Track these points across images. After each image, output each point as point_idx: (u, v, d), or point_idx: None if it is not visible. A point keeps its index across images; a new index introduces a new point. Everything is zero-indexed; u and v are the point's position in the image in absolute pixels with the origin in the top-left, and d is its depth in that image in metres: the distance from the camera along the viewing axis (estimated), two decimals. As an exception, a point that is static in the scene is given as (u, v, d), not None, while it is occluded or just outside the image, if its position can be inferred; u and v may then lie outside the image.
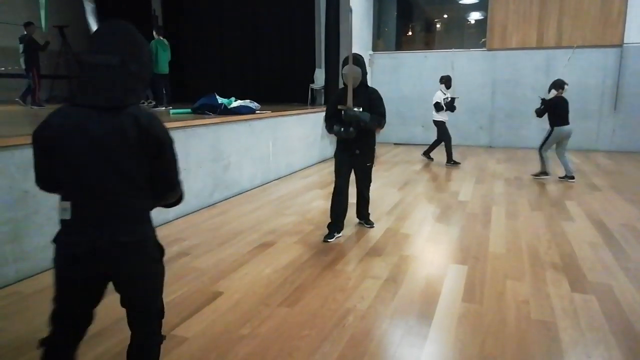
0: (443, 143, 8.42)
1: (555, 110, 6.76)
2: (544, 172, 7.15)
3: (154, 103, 9.00)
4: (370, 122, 4.04)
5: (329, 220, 4.33)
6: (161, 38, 8.64)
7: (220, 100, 6.71)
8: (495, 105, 10.74)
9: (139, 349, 1.81)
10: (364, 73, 4.08)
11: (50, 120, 1.59)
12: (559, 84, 6.81)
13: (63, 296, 1.68)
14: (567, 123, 6.76)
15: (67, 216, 1.59)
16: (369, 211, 4.70)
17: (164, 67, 8.62)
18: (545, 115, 6.91)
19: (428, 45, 12.47)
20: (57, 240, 1.64)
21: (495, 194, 6.13)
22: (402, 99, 11.44)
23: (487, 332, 2.66)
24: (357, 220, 4.75)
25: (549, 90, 6.95)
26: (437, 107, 8.13)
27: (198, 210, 5.28)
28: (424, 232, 4.54)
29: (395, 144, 11.42)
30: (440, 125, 8.32)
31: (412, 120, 11.40)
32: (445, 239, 4.35)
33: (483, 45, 11.01)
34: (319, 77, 9.92)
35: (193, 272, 3.52)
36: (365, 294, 3.15)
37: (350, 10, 4.87)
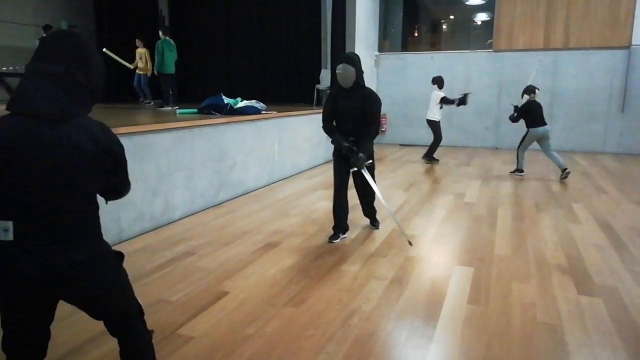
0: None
1: (528, 113, 7.16)
2: (519, 170, 7.56)
3: (152, 102, 9.00)
4: (370, 142, 4.04)
5: (333, 222, 4.32)
6: (167, 38, 8.66)
7: (226, 100, 6.73)
8: (502, 106, 10.69)
9: (132, 353, 1.78)
10: (359, 73, 3.95)
11: None
12: (530, 89, 7.27)
13: (15, 322, 1.58)
14: (542, 124, 7.09)
15: (10, 237, 1.45)
16: (376, 208, 4.60)
17: (170, 67, 8.65)
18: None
19: (434, 46, 12.44)
20: None
21: (501, 196, 6.11)
22: (408, 100, 11.42)
23: (492, 334, 2.65)
24: (362, 221, 4.74)
25: (522, 96, 7.33)
26: (447, 101, 8.35)
27: (204, 210, 5.30)
28: (430, 233, 4.53)
29: (400, 145, 11.41)
30: (433, 124, 8.61)
31: (418, 122, 11.31)
32: (451, 241, 4.34)
33: (489, 46, 10.97)
34: (325, 78, 9.93)
35: (198, 272, 3.53)
36: (371, 295, 3.15)
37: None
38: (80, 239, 1.56)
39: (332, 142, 4.15)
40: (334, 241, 4.20)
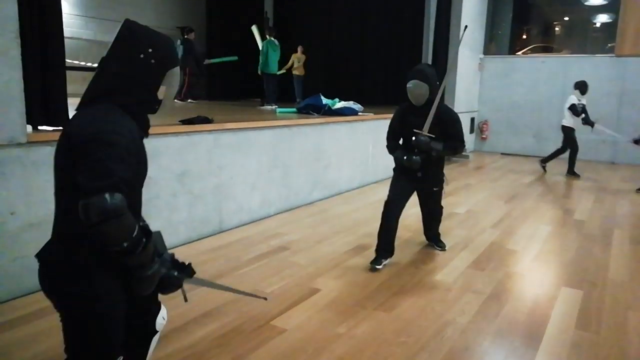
0: (568, 151, 7.94)
1: None
2: None
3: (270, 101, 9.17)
4: (444, 151, 3.50)
5: (391, 233, 3.74)
6: (272, 39, 8.98)
7: (324, 101, 6.84)
8: (622, 117, 9.68)
9: None
10: (432, 88, 3.45)
11: (120, 121, 1.44)
12: None
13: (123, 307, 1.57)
14: None
15: None
16: (440, 231, 4.18)
17: (273, 67, 8.94)
18: None
19: (545, 49, 11.62)
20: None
21: (618, 216, 5.52)
22: (512, 106, 10.78)
23: (605, 367, 2.40)
24: (457, 231, 4.55)
25: None
26: (573, 109, 7.59)
27: (297, 207, 5.42)
28: (533, 249, 4.23)
29: (502, 153, 10.79)
30: (568, 132, 7.81)
31: (524, 130, 10.68)
32: (557, 260, 4.01)
33: (611, 50, 10.00)
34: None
35: (292, 267, 3.62)
36: (466, 308, 3.00)
37: (465, 27, 4.46)
38: (65, 246, 1.51)
39: (397, 159, 3.65)
40: (377, 267, 3.61)
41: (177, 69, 1.59)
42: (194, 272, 1.65)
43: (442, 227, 4.21)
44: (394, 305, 3.02)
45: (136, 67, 1.48)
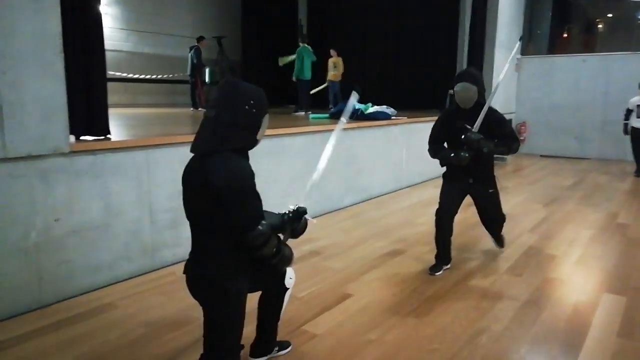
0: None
1: None
2: None
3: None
4: (496, 148, 3.39)
5: (446, 240, 3.69)
6: (306, 45, 9.06)
7: (357, 105, 6.83)
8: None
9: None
10: (480, 92, 3.40)
11: (247, 166, 1.85)
12: None
13: None
14: None
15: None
16: (502, 233, 4.07)
17: (308, 73, 9.00)
18: None
19: (587, 47, 11.22)
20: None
21: (666, 219, 5.27)
22: (552, 107, 10.47)
23: (650, 378, 2.30)
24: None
25: None
26: (626, 113, 7.64)
27: (329, 212, 5.44)
28: (573, 254, 4.08)
29: (541, 155, 10.49)
30: (633, 132, 7.70)
31: (564, 131, 10.35)
32: (599, 265, 3.86)
33: (657, 46, 9.56)
34: (459, 83, 9.52)
35: (324, 272, 3.63)
36: (501, 315, 2.93)
37: (520, 38, 4.42)
38: (211, 259, 1.91)
39: (444, 159, 3.58)
40: (436, 274, 3.60)
41: (268, 114, 1.93)
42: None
43: (476, 232, 4.13)
44: (427, 311, 2.99)
45: (243, 117, 1.83)
